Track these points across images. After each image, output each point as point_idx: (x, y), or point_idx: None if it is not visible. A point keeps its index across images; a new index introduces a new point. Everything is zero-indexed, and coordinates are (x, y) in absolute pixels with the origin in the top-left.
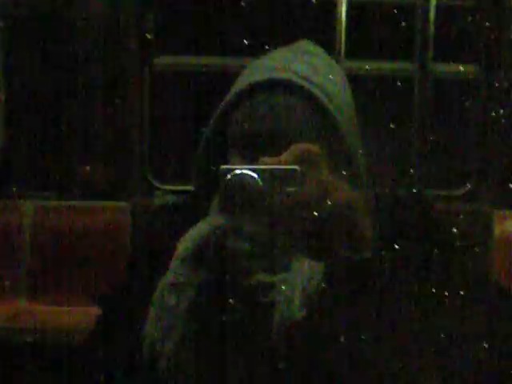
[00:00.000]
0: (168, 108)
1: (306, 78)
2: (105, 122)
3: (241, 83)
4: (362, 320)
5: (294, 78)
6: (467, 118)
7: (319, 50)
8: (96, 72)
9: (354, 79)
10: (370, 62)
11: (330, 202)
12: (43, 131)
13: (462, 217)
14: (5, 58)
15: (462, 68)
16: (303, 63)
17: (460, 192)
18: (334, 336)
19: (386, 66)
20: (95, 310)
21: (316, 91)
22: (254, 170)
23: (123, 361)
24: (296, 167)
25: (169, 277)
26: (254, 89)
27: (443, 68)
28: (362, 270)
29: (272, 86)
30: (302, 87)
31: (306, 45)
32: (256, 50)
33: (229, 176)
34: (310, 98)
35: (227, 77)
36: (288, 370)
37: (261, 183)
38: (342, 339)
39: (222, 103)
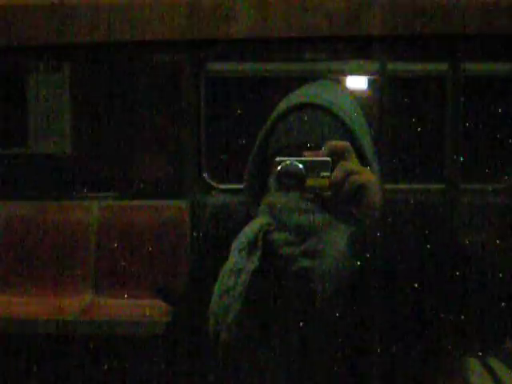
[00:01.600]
0: (222, 110)
1: (329, 102)
2: (163, 126)
3: (280, 107)
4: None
5: (321, 102)
6: (501, 113)
7: (337, 85)
8: (154, 79)
9: (394, 80)
10: (408, 64)
11: (350, 183)
12: (105, 136)
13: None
14: (69, 75)
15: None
16: (327, 92)
17: (496, 186)
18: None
19: (422, 67)
20: (158, 302)
21: (337, 110)
22: (299, 161)
23: (197, 345)
24: (328, 159)
25: (228, 265)
26: (288, 111)
27: (476, 66)
28: (374, 232)
29: (303, 108)
30: (327, 108)
31: (326, 81)
32: (301, 57)
33: (282, 164)
34: (333, 116)
35: (275, 81)
36: (330, 339)
37: (303, 170)
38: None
39: (267, 122)
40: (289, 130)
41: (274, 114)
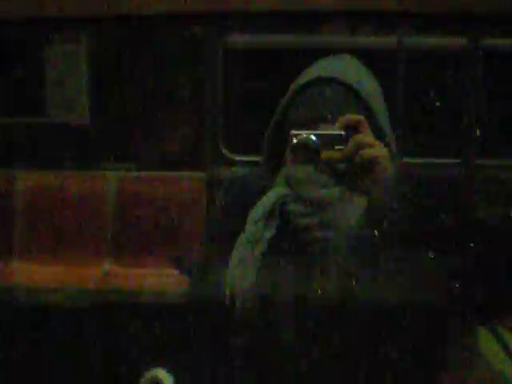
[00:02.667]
0: (240, 83)
1: (347, 77)
2: (182, 98)
3: (299, 81)
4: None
5: (339, 77)
6: None
7: (355, 60)
8: (172, 49)
9: (413, 55)
10: (427, 38)
11: (361, 157)
12: (124, 107)
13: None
14: (88, 44)
15: None
16: (345, 66)
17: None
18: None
19: (441, 41)
20: (177, 272)
21: (354, 84)
22: (314, 134)
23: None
24: (342, 132)
25: (245, 234)
26: (307, 85)
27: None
28: (384, 208)
29: (321, 82)
30: (345, 83)
31: (344, 55)
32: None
33: (297, 137)
34: (350, 89)
35: (295, 53)
36: (346, 307)
37: (318, 143)
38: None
39: (285, 96)
40: (307, 103)
41: (293, 87)
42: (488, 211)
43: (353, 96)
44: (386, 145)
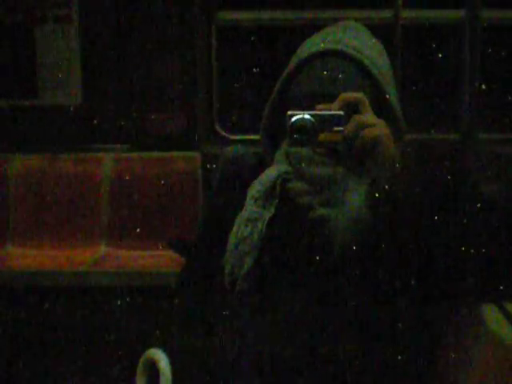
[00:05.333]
0: (234, 61)
1: (354, 49)
2: (174, 76)
3: (301, 53)
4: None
5: (345, 49)
6: None
7: (363, 28)
8: (165, 28)
9: (408, 28)
10: (423, 11)
11: (362, 137)
12: (117, 87)
13: None
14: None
15: None
16: (351, 37)
17: None
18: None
19: (438, 14)
20: (170, 254)
21: (362, 58)
22: (311, 115)
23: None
24: (341, 112)
25: (244, 213)
26: (312, 58)
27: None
28: (390, 185)
29: (327, 55)
30: (351, 55)
31: (352, 23)
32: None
33: (293, 119)
34: (357, 63)
35: (289, 30)
36: (346, 287)
37: (316, 125)
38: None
39: (286, 69)
40: (312, 77)
41: (294, 60)
42: (490, 186)
43: (361, 71)
44: (394, 122)
